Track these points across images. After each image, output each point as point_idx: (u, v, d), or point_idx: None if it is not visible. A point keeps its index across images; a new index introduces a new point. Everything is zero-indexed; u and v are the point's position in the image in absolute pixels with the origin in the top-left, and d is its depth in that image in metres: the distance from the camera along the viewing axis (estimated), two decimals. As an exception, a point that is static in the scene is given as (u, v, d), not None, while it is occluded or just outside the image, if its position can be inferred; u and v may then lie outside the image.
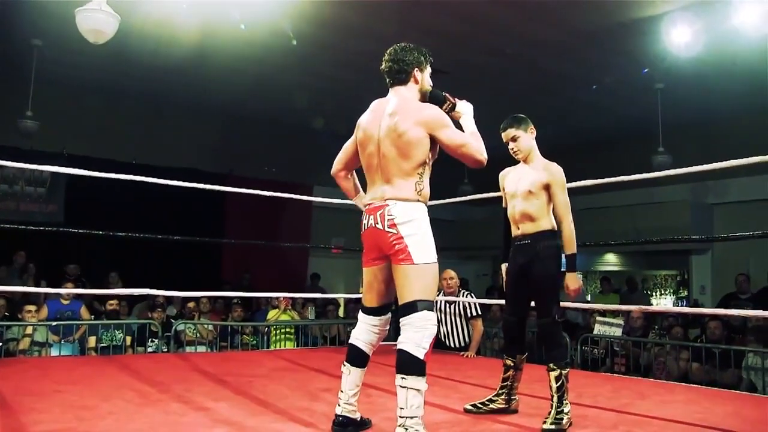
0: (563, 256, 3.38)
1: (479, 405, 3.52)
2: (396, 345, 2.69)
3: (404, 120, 2.76)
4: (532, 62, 8.70)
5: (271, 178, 10.65)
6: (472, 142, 2.81)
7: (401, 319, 2.71)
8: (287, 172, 11.04)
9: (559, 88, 9.75)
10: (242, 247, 10.96)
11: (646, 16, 7.25)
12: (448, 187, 8.22)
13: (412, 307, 2.68)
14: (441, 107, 2.95)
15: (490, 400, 3.52)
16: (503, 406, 3.50)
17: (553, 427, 3.07)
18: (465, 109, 3.04)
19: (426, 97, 2.97)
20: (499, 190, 3.72)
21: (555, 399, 3.20)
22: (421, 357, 2.63)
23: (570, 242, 3.34)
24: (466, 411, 3.50)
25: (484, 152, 2.82)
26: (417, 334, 2.65)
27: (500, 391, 3.53)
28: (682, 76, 8.73)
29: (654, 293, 13.44)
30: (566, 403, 3.20)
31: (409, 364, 2.62)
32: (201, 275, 9.81)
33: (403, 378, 2.62)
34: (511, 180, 3.55)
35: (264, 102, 10.69)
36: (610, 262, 13.47)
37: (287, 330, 7.61)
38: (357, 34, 7.46)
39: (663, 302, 13.10)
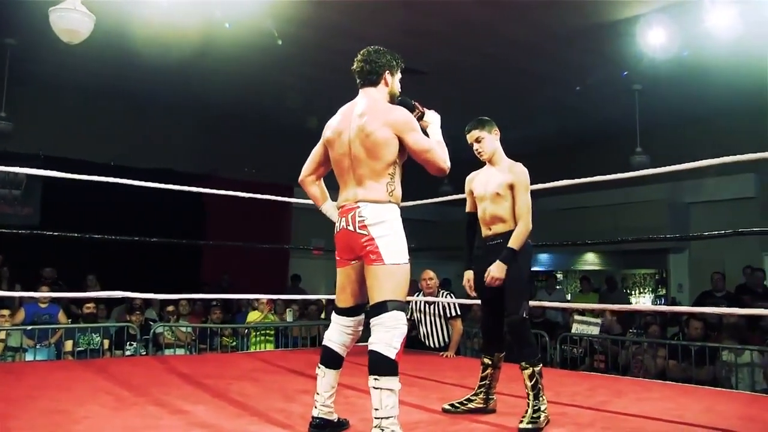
0: (515, 253, 3.35)
1: (457, 405, 3.53)
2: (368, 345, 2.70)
3: (373, 120, 2.78)
4: (511, 63, 8.73)
5: (251, 179, 10.59)
6: (437, 149, 2.83)
7: (372, 320, 2.72)
8: (268, 173, 10.99)
9: (538, 89, 9.79)
10: (222, 249, 10.92)
11: (624, 18, 7.30)
12: (429, 187, 8.22)
13: (382, 308, 2.69)
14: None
15: (468, 400, 3.54)
16: (481, 405, 3.51)
17: (530, 426, 3.09)
18: (433, 118, 3.07)
19: (395, 102, 2.98)
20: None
21: (531, 397, 3.21)
22: (393, 357, 2.64)
23: (517, 239, 3.33)
24: (444, 411, 3.51)
25: (447, 160, 2.86)
26: (388, 335, 2.66)
27: (478, 391, 3.54)
28: (659, 78, 8.80)
29: (633, 292, 13.53)
30: (543, 401, 3.22)
31: (381, 365, 2.63)
32: (181, 277, 9.73)
33: (376, 379, 2.62)
34: (479, 183, 3.57)
35: (244, 103, 10.64)
36: (590, 261, 13.55)
37: (267, 332, 7.59)
38: (338, 35, 7.44)
39: (642, 301, 13.19)
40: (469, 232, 3.70)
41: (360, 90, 2.97)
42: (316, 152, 3.10)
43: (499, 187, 3.42)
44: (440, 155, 2.83)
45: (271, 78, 9.38)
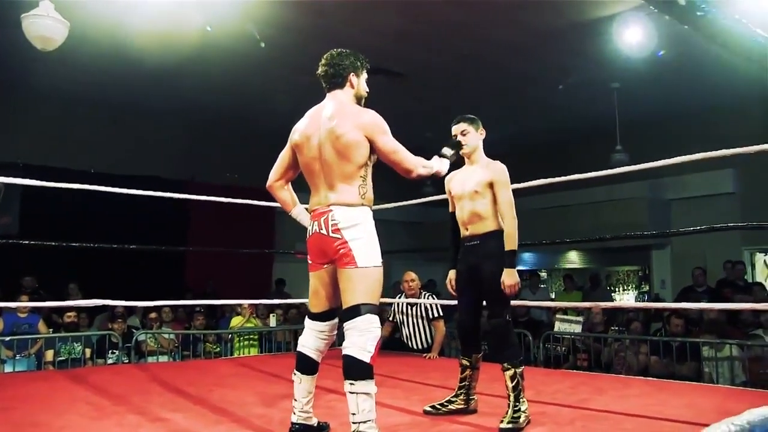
0: (516, 254, 3.37)
1: (438, 406, 3.53)
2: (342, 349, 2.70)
3: (342, 123, 2.77)
4: (490, 63, 8.76)
5: (233, 183, 10.56)
6: (404, 151, 2.83)
7: (345, 324, 2.71)
8: (249, 177, 10.93)
9: (517, 89, 9.82)
10: (205, 254, 10.84)
11: (602, 16, 7.34)
12: (412, 189, 8.22)
13: (355, 311, 2.69)
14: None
15: (449, 401, 3.54)
16: (462, 406, 3.52)
17: (510, 426, 3.09)
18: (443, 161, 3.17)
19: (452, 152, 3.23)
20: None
21: (511, 398, 3.22)
22: (367, 360, 2.63)
23: (511, 239, 3.34)
24: (426, 413, 3.51)
25: (417, 164, 2.86)
26: (361, 338, 2.65)
27: (458, 392, 3.54)
28: (637, 75, 8.86)
29: (617, 289, 13.64)
30: (523, 401, 3.23)
31: (356, 369, 2.62)
32: (164, 284, 9.67)
33: (351, 383, 2.61)
34: (457, 182, 3.57)
35: (225, 108, 10.60)
36: (573, 259, 13.63)
37: (251, 337, 7.56)
38: (318, 38, 7.41)
39: (626, 297, 13.30)
40: (452, 233, 3.69)
41: (327, 93, 2.97)
42: (284, 157, 3.09)
43: (478, 185, 3.42)
44: (407, 156, 2.83)
45: (251, 83, 9.36)
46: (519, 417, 3.14)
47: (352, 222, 2.74)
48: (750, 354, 6.00)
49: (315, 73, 2.98)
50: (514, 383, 3.24)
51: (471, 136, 3.51)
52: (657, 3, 3.55)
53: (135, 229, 9.13)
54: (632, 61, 7.92)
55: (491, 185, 3.41)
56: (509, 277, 3.30)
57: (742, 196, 10.49)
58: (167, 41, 7.55)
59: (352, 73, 2.94)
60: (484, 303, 3.48)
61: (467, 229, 3.48)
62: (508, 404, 3.22)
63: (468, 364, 3.54)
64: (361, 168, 2.79)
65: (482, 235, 3.41)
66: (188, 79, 9.17)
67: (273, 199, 3.21)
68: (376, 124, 2.80)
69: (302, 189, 3.06)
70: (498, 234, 3.39)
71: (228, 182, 10.71)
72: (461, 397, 3.53)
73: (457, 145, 3.37)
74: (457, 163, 3.51)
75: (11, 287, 8.14)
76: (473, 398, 3.55)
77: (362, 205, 2.79)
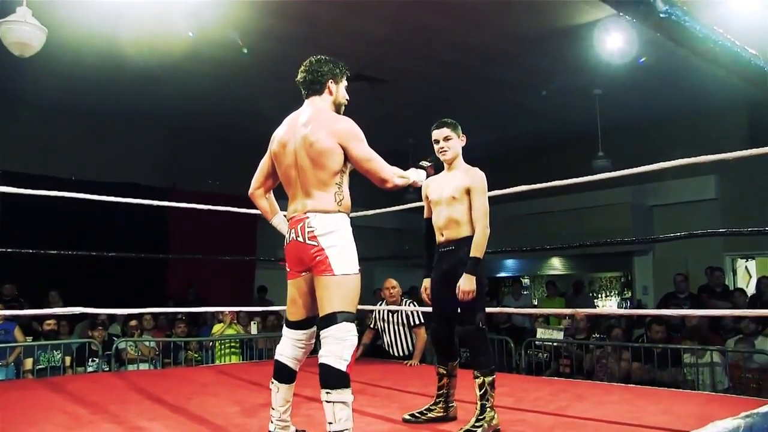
0: (480, 261, 3.33)
1: (417, 414, 3.52)
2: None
3: (316, 129, 2.76)
4: (470, 69, 8.78)
5: (214, 191, 10.50)
6: (379, 160, 2.81)
7: (321, 332, 2.69)
8: (231, 184, 10.89)
9: (498, 95, 9.84)
10: (187, 262, 10.80)
11: (582, 23, 7.38)
12: (394, 195, 8.21)
13: (331, 319, 2.66)
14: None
15: (428, 410, 3.53)
16: (441, 414, 3.51)
17: None
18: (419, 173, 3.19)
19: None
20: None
21: (478, 406, 3.22)
22: (344, 369, 2.61)
23: (478, 246, 3.32)
24: (405, 421, 3.49)
25: (392, 174, 2.84)
26: (337, 347, 2.63)
27: (437, 400, 3.54)
28: (619, 82, 8.92)
29: (599, 295, 13.69)
30: (489, 410, 3.21)
31: (332, 378, 2.60)
32: (145, 291, 9.62)
33: (327, 393, 2.59)
34: (435, 188, 3.56)
35: (206, 115, 10.55)
36: (556, 266, 13.67)
37: (232, 344, 7.51)
38: (299, 45, 7.40)
39: (608, 304, 13.35)
40: (427, 239, 3.67)
41: (305, 100, 2.96)
42: (264, 164, 3.07)
43: (455, 190, 3.41)
44: (382, 165, 2.80)
45: (233, 90, 9.34)
46: (480, 426, 3.14)
47: (329, 229, 2.72)
48: (733, 360, 6.05)
49: (296, 81, 2.98)
50: (482, 392, 3.23)
51: (453, 141, 3.50)
52: (622, 4, 3.55)
53: (116, 236, 9.08)
54: (614, 68, 7.96)
55: (468, 191, 3.40)
56: (466, 283, 3.25)
57: (724, 203, 10.57)
58: (148, 48, 7.53)
59: (330, 80, 2.92)
60: (459, 310, 3.45)
61: (443, 235, 3.47)
62: (475, 412, 3.22)
63: (445, 372, 3.53)
64: (336, 175, 2.77)
65: (458, 240, 3.40)
66: (170, 86, 9.13)
67: (255, 207, 3.20)
68: (350, 131, 2.78)
69: (285, 197, 3.04)
70: (472, 240, 3.38)
71: (210, 190, 10.64)
72: (440, 405, 3.52)
73: (436, 159, 3.40)
74: (437, 168, 3.50)
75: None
76: (452, 405, 3.55)
77: (339, 211, 2.77)
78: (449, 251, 3.42)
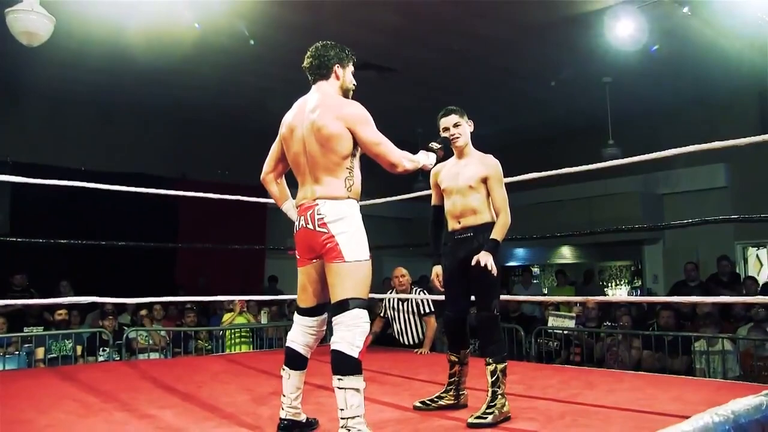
0: (499, 246, 3.29)
1: (428, 402, 3.51)
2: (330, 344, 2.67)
3: (324, 114, 2.74)
4: (480, 58, 8.74)
5: (223, 180, 10.51)
6: (388, 143, 2.78)
7: (333, 319, 2.68)
8: (240, 174, 10.90)
9: (508, 84, 9.80)
10: (197, 252, 10.84)
11: (592, 11, 7.33)
12: (404, 184, 8.19)
13: (343, 306, 2.65)
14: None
15: (439, 397, 3.52)
16: (452, 401, 3.50)
17: (476, 421, 3.07)
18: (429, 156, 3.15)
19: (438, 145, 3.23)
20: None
21: (489, 393, 3.20)
22: (356, 356, 2.60)
23: (500, 229, 3.29)
24: (416, 408, 3.48)
25: (402, 157, 2.81)
26: (349, 333, 2.62)
27: (448, 388, 3.53)
28: (628, 69, 8.85)
29: (609, 284, 13.65)
30: (500, 397, 3.19)
31: (344, 364, 2.59)
32: (155, 281, 9.65)
33: (339, 379, 2.59)
34: (447, 176, 3.52)
35: (215, 105, 10.57)
36: (566, 255, 13.63)
37: (243, 333, 7.53)
38: (307, 35, 7.34)
39: (618, 292, 13.31)
40: (435, 226, 3.65)
41: (312, 86, 2.94)
42: (274, 150, 3.06)
43: (471, 179, 3.37)
44: (392, 150, 2.78)
45: (241, 79, 9.34)
46: (492, 412, 3.11)
47: (339, 215, 2.71)
48: (745, 347, 6.01)
49: (304, 70, 2.96)
50: (493, 379, 3.21)
51: (463, 127, 3.46)
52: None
53: (126, 227, 9.11)
54: (624, 56, 7.90)
55: (485, 180, 3.36)
56: (484, 255, 3.20)
57: (735, 191, 10.50)
58: (157, 38, 7.53)
59: (337, 65, 2.90)
60: (473, 298, 3.44)
61: (459, 222, 3.43)
62: (486, 399, 3.21)
63: (456, 359, 3.52)
64: (345, 160, 2.75)
65: (476, 227, 3.36)
66: (178, 76, 9.13)
67: (264, 195, 3.19)
68: (358, 114, 2.76)
69: (295, 184, 3.02)
70: (490, 227, 3.34)
71: (219, 179, 10.66)
72: (451, 393, 3.51)
73: (446, 141, 3.35)
74: (445, 154, 3.45)
75: (2, 285, 8.10)
76: (463, 393, 3.53)
77: (349, 198, 2.75)
78: (467, 238, 3.38)
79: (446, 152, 3.38)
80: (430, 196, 5.84)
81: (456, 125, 3.45)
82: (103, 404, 3.67)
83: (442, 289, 3.60)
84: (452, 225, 3.47)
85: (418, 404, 3.51)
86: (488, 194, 3.38)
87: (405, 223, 13.50)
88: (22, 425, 3.14)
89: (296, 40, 7.69)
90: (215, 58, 8.45)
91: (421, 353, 5.92)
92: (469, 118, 3.53)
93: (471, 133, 3.53)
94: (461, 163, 3.49)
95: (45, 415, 3.35)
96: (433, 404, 3.50)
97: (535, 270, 13.85)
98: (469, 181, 3.38)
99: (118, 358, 6.53)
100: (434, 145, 3.20)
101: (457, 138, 3.45)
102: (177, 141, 11.24)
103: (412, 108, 10.21)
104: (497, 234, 3.29)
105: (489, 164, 3.39)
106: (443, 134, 3.47)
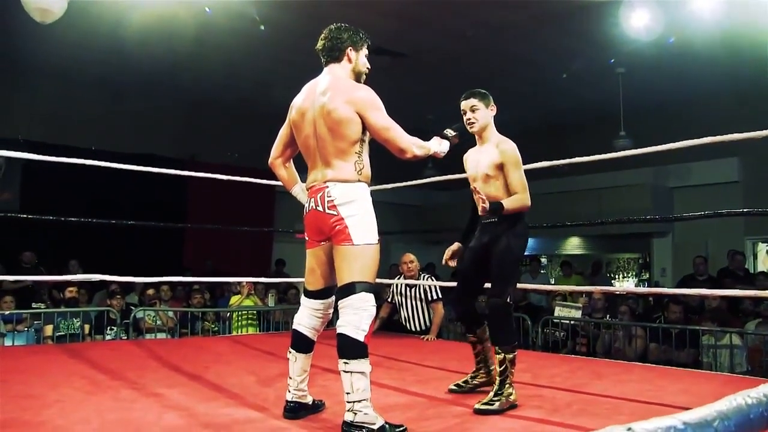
0: (503, 209, 3.21)
1: (462, 384, 3.54)
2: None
3: (334, 98, 2.72)
4: (493, 46, 8.67)
5: (233, 163, 10.51)
6: (398, 129, 2.75)
7: (339, 302, 2.68)
8: (249, 157, 10.90)
9: (519, 72, 9.73)
10: (205, 234, 10.86)
11: (607, 0, 7.26)
12: (413, 171, 8.17)
13: (350, 289, 2.65)
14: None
15: (472, 377, 3.56)
16: (485, 379, 3.53)
17: (483, 408, 3.07)
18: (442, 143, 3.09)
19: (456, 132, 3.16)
20: (463, 171, 3.67)
21: (497, 382, 3.20)
22: (362, 339, 2.60)
23: (513, 202, 3.22)
24: (450, 391, 3.51)
25: (412, 144, 2.78)
26: (356, 317, 2.62)
27: (478, 367, 3.57)
28: (642, 60, 8.78)
29: (617, 276, 13.61)
30: (507, 386, 3.18)
31: (351, 348, 2.59)
32: (163, 262, 9.67)
33: (345, 362, 2.58)
34: (471, 162, 3.50)
35: (225, 87, 10.55)
36: (574, 245, 13.59)
37: (249, 315, 7.55)
38: (318, 19, 7.31)
39: (625, 285, 13.26)
40: (472, 212, 3.59)
41: (324, 68, 2.92)
42: (283, 133, 3.05)
43: (488, 167, 3.33)
44: (402, 135, 2.75)
45: (251, 63, 9.31)
46: (498, 400, 3.11)
47: (349, 198, 2.70)
48: (753, 343, 5.99)
49: (314, 53, 2.93)
50: (502, 368, 3.21)
51: (481, 112, 3.39)
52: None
53: (135, 208, 9.16)
54: (638, 46, 7.83)
55: (501, 167, 3.31)
56: (488, 203, 3.15)
57: (747, 186, 10.42)
58: (169, 20, 7.51)
59: (350, 47, 2.88)
60: (487, 285, 3.41)
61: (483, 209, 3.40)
62: (493, 387, 3.21)
63: (476, 339, 3.53)
64: (355, 144, 2.74)
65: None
66: (189, 58, 9.10)
67: (272, 178, 3.18)
68: (368, 99, 2.73)
69: (304, 168, 3.01)
70: (516, 214, 3.29)
71: (228, 161, 10.66)
72: (482, 371, 3.55)
73: (462, 128, 3.29)
74: (465, 140, 3.38)
75: (10, 263, 8.14)
76: (493, 368, 3.47)
77: (359, 181, 2.75)
78: (492, 224, 3.34)
79: (465, 138, 3.32)
80: (439, 183, 5.82)
81: (473, 109, 3.40)
82: (110, 382, 3.69)
83: (448, 260, 3.63)
84: (480, 211, 3.43)
85: (453, 387, 3.54)
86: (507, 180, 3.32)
87: (414, 209, 13.49)
88: (33, 400, 3.15)
89: (308, 23, 7.69)
90: (226, 41, 8.41)
91: (428, 339, 5.92)
92: (491, 102, 3.45)
93: (495, 117, 3.46)
94: (481, 149, 3.45)
95: (54, 390, 3.37)
96: (466, 385, 3.53)
97: (543, 260, 13.82)
98: (486, 170, 3.34)
99: (126, 338, 6.57)
100: (449, 132, 3.14)
101: (473, 123, 3.40)
102: (187, 123, 11.24)
103: (423, 94, 10.17)
104: (507, 202, 3.21)
105: (503, 149, 3.32)
106: (463, 117, 3.43)
